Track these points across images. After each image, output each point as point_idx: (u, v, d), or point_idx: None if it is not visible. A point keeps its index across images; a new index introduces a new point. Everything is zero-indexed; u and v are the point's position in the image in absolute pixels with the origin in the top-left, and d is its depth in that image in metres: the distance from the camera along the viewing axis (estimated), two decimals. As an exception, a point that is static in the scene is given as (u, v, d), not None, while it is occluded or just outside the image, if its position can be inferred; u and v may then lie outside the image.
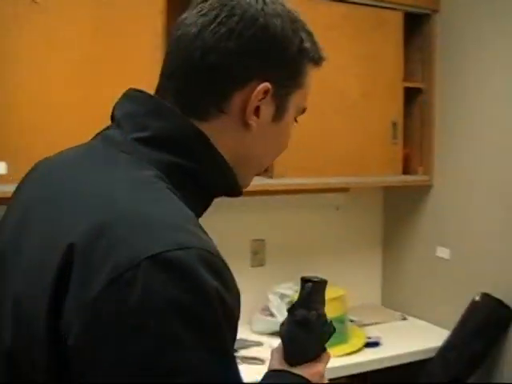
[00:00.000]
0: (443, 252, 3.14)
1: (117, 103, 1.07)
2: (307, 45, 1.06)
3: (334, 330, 1.23)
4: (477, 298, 2.86)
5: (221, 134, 1.02)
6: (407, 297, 3.29)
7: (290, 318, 1.22)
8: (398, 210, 3.42)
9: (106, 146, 1.02)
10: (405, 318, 3.23)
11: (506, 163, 2.83)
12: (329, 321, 1.23)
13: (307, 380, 1.18)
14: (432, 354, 2.87)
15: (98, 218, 0.89)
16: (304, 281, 1.24)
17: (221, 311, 0.86)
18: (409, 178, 3.20)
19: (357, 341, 2.83)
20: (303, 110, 1.11)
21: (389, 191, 3.45)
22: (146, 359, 0.83)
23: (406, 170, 3.19)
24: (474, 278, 2.96)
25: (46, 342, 0.88)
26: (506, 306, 2.81)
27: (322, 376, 1.22)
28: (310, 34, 1.07)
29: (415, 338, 3.00)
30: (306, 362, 1.20)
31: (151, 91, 1.05)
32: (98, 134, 1.08)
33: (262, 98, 1.02)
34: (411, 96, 3.17)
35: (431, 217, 3.22)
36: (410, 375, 2.81)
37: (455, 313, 2.89)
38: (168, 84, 1.04)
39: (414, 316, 3.24)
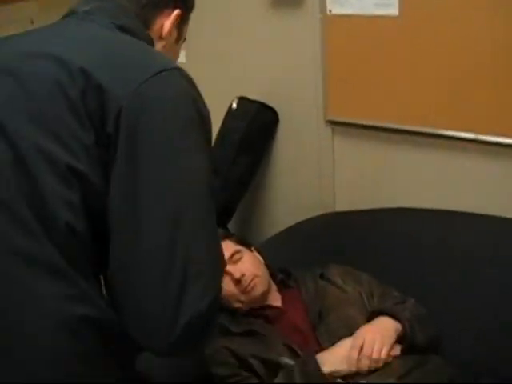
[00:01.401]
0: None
1: (77, 4, 1.30)
2: None
3: None
4: (234, 106, 2.34)
5: None
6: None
7: None
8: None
9: (84, 22, 1.26)
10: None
11: None
12: None
13: None
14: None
15: (107, 48, 1.19)
16: None
17: None
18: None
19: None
20: (184, 40, 1.45)
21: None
22: (177, 134, 1.12)
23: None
24: (224, 81, 2.44)
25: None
26: (270, 108, 2.35)
27: None
28: None
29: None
30: None
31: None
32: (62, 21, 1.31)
33: (175, 22, 1.36)
34: None
35: None
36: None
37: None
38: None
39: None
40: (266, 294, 1.92)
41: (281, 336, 1.80)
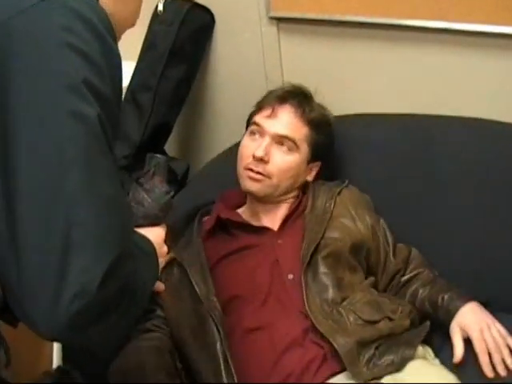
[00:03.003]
0: None
1: None
2: None
3: (172, 205, 1.34)
4: (160, 8, 2.01)
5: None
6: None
7: (138, 186, 1.31)
8: None
9: None
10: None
11: None
12: (171, 194, 1.33)
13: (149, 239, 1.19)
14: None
15: None
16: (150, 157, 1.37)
17: None
18: None
19: None
20: None
21: None
22: (59, 74, 0.93)
23: None
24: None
25: None
26: (203, 7, 2.04)
27: (163, 238, 1.29)
28: None
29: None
30: (149, 225, 1.27)
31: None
32: None
33: None
34: None
35: None
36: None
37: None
38: None
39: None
40: (261, 202, 1.69)
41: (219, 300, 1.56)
